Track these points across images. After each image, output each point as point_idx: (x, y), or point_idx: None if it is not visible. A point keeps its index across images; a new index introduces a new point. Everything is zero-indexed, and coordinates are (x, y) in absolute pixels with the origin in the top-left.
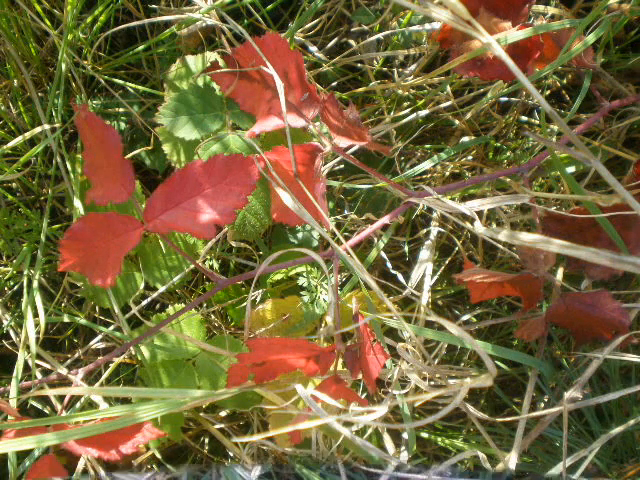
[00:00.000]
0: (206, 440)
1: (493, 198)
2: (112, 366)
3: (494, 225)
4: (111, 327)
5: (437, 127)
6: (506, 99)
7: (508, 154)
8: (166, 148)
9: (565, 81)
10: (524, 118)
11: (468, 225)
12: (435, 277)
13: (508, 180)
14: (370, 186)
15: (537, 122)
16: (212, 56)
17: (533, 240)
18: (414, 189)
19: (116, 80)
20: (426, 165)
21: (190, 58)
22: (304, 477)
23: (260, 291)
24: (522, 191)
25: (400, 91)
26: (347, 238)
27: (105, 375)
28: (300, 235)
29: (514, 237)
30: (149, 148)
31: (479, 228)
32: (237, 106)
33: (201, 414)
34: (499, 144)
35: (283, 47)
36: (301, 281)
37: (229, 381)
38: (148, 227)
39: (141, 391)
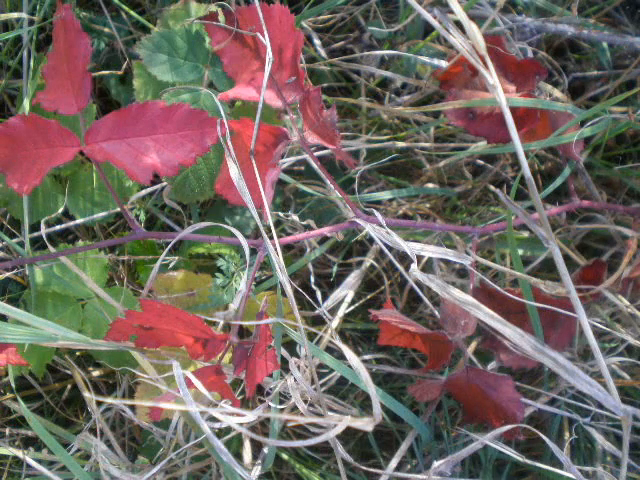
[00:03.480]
0: (68, 387)
1: (437, 248)
2: None
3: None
4: (14, 239)
5: (406, 165)
6: (481, 163)
7: (464, 215)
8: (136, 83)
9: (543, 167)
10: (492, 188)
11: (400, 267)
12: (352, 307)
13: (456, 238)
14: (322, 196)
15: (502, 196)
16: (213, 8)
17: (464, 300)
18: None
19: (115, 2)
20: (384, 195)
21: (193, 4)
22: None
23: (176, 258)
24: (467, 252)
25: (385, 116)
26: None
27: None
28: (237, 218)
29: (446, 290)
30: (119, 73)
31: (415, 271)
32: (220, 65)
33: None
34: (459, 203)
35: (288, 22)
36: (220, 263)
37: (109, 334)
38: (85, 149)
39: (19, 313)
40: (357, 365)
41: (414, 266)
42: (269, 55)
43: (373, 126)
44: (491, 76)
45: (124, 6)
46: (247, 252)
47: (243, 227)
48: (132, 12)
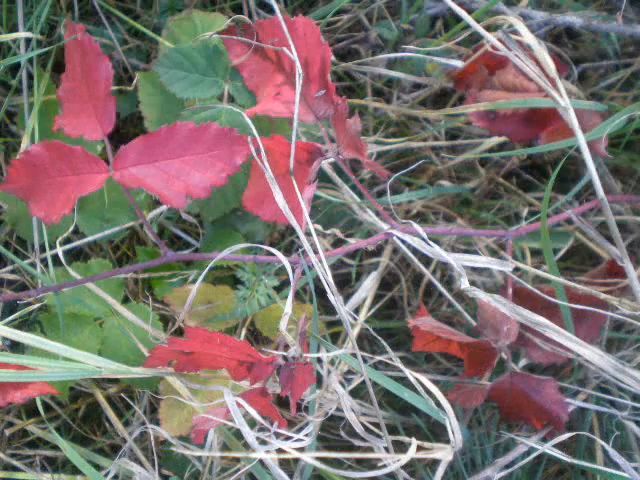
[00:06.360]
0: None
1: (479, 257)
2: (25, 308)
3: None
4: (26, 260)
5: (410, 160)
6: (486, 155)
7: (475, 209)
8: (141, 94)
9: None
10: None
11: (425, 270)
12: (372, 310)
13: (488, 241)
14: (339, 200)
15: (513, 187)
16: (220, 18)
17: (539, 322)
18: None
19: (113, 10)
20: (401, 198)
21: (198, 14)
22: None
23: (195, 271)
24: (506, 258)
25: (393, 115)
26: (293, 245)
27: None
28: (248, 226)
29: (516, 311)
30: (129, 88)
31: (473, 289)
32: (241, 80)
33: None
34: (471, 197)
35: (313, 35)
36: (240, 274)
37: (149, 361)
38: (114, 175)
39: (57, 347)
40: (444, 403)
41: (466, 282)
42: (299, 72)
43: (380, 125)
44: (562, 99)
45: (117, 12)
46: (290, 274)
47: (254, 234)
48: (132, 22)
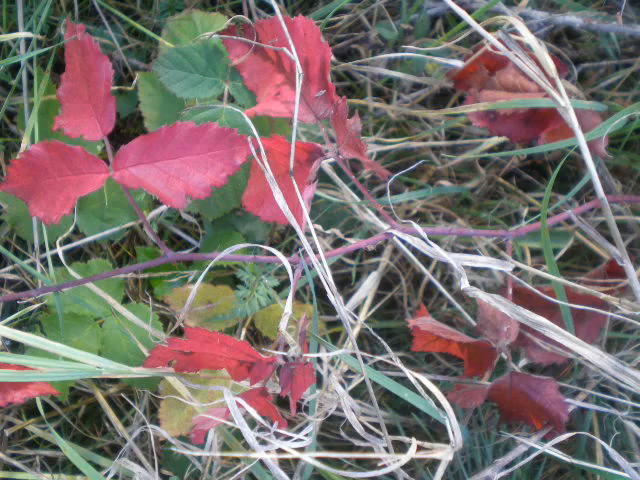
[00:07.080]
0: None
1: (479, 257)
2: (25, 308)
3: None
4: (26, 260)
5: (410, 160)
6: (488, 155)
7: (475, 209)
8: (141, 94)
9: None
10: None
11: (423, 269)
12: (372, 310)
13: (488, 241)
14: (339, 200)
15: (512, 187)
16: (220, 18)
17: (539, 322)
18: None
19: (113, 10)
20: (401, 198)
21: (198, 13)
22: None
23: (195, 271)
24: (507, 258)
25: (392, 115)
26: (293, 245)
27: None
28: (248, 226)
29: (516, 311)
30: (129, 88)
31: (473, 289)
32: (241, 80)
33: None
34: (470, 197)
35: (313, 35)
36: (240, 274)
37: (149, 361)
38: (114, 175)
39: (58, 347)
40: (444, 403)
41: (466, 282)
42: (299, 72)
43: (380, 125)
44: (563, 99)
45: (117, 12)
46: (290, 274)
47: (254, 234)
48: (132, 22)
